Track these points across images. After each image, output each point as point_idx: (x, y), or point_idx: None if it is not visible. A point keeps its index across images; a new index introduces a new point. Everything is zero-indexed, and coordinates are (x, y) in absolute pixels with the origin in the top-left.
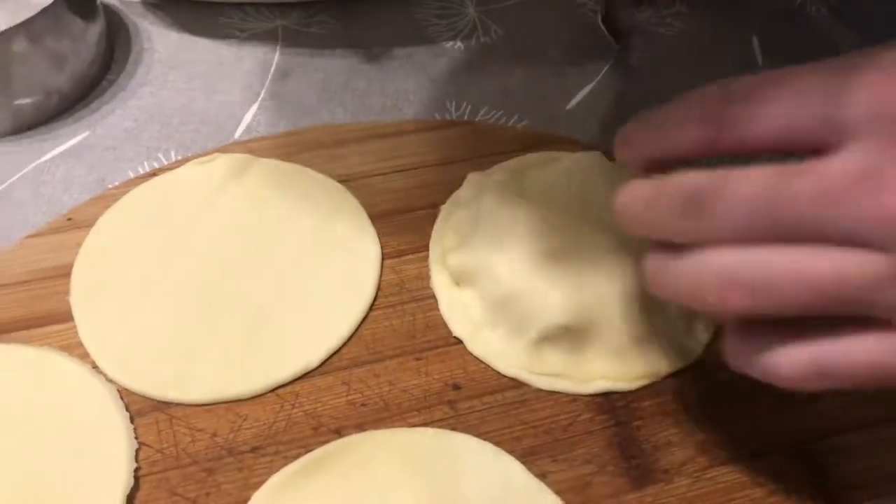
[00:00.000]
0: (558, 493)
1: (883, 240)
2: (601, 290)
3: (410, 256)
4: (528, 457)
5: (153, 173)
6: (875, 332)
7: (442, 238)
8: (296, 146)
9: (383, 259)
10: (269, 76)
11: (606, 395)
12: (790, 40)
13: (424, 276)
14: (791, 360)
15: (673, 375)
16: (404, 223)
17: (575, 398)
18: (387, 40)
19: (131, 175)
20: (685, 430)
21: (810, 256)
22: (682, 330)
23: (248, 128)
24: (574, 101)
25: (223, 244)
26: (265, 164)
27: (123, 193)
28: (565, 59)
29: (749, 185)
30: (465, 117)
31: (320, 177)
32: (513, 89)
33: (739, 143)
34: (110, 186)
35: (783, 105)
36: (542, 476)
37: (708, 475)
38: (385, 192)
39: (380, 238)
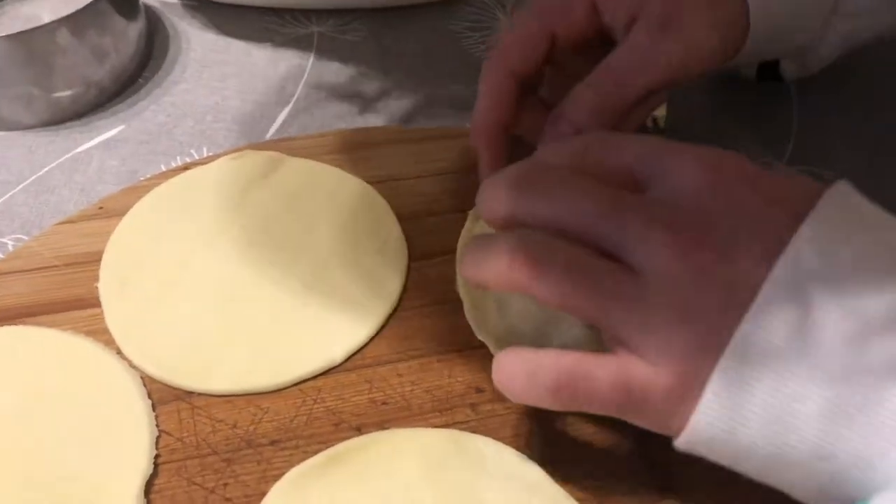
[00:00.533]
0: (581, 501)
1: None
2: None
3: (437, 259)
4: (550, 463)
5: (185, 167)
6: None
7: (468, 243)
8: (326, 147)
9: (410, 261)
10: (304, 79)
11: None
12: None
13: (450, 279)
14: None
15: None
16: (431, 226)
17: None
18: (419, 49)
19: (164, 168)
20: None
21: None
22: None
23: (281, 128)
24: None
25: (253, 238)
26: (296, 162)
27: (155, 185)
28: None
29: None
30: None
31: (349, 177)
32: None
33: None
34: (142, 178)
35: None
36: (564, 483)
37: (728, 489)
38: (413, 195)
39: (407, 240)
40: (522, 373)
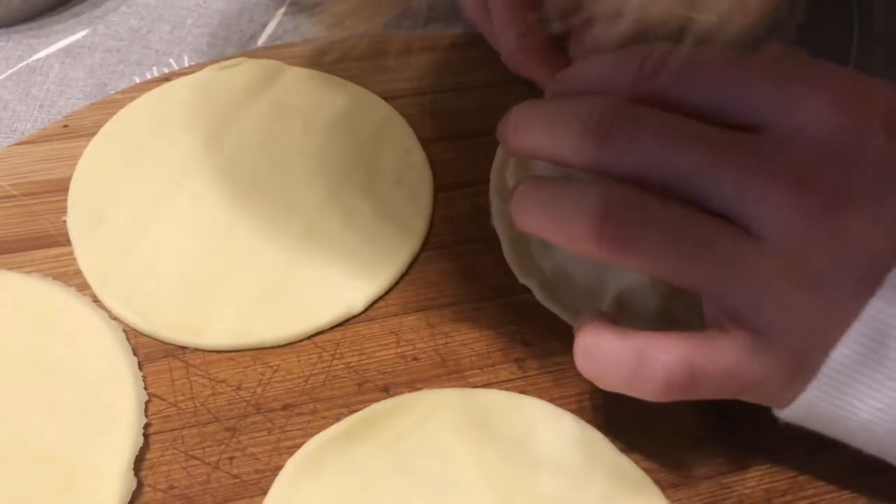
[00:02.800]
0: (647, 471)
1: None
2: None
3: (468, 190)
4: (611, 428)
5: (165, 78)
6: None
7: (504, 168)
8: (333, 55)
9: (436, 192)
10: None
11: None
12: None
13: (484, 213)
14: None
15: None
16: (461, 150)
17: None
18: None
19: (137, 81)
20: None
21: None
22: None
23: (275, 35)
24: None
25: (250, 162)
26: (298, 72)
27: (130, 99)
28: None
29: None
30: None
31: (362, 91)
32: None
33: (674, 100)
34: (113, 92)
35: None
36: (628, 451)
37: (819, 457)
38: (439, 114)
39: (432, 167)
40: (624, 366)
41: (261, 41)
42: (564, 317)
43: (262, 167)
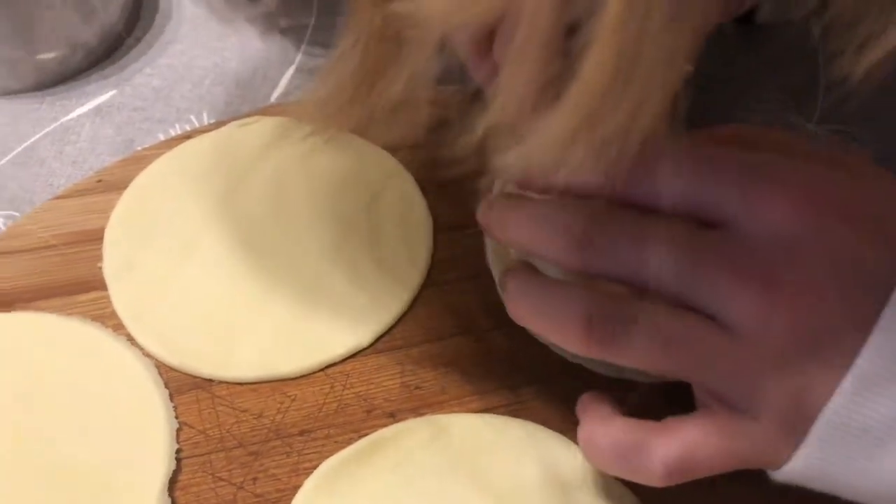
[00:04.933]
0: (633, 490)
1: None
2: None
3: (465, 231)
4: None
5: (187, 135)
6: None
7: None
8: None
9: (436, 234)
10: (306, 38)
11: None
12: None
13: (480, 252)
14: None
15: None
16: (458, 194)
17: (650, 386)
18: None
19: (162, 137)
20: None
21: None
22: None
23: (286, 91)
24: None
25: (268, 211)
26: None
27: (157, 155)
28: None
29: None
30: None
31: (367, 144)
32: None
33: (641, 198)
34: (140, 148)
35: (692, 180)
36: None
37: None
38: (438, 161)
39: (432, 211)
40: (624, 460)
41: (273, 97)
42: (552, 347)
43: (278, 216)
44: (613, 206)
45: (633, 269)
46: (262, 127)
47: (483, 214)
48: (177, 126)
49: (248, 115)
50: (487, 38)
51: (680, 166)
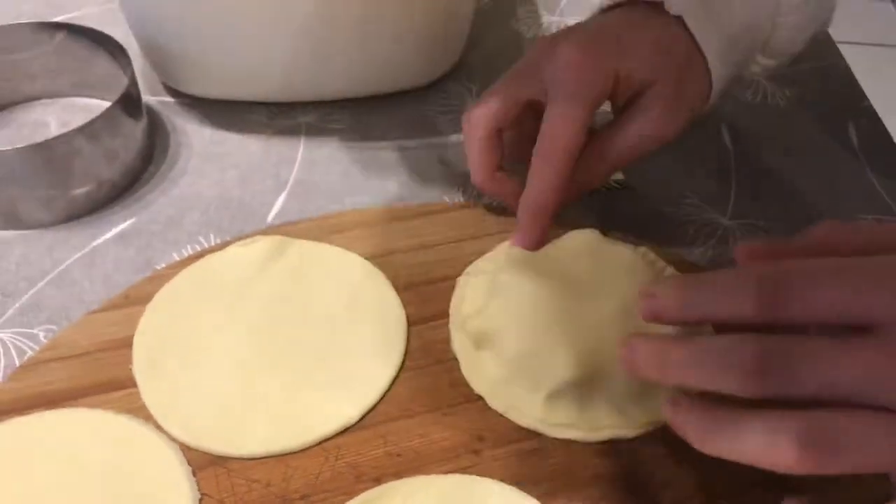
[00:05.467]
0: None
1: None
2: (604, 350)
3: (433, 323)
4: (546, 498)
5: (199, 255)
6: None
7: (461, 306)
8: (326, 229)
9: (409, 326)
10: (296, 167)
11: (613, 442)
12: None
13: (446, 341)
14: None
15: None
16: (426, 294)
17: (585, 445)
18: (399, 135)
19: (176, 257)
20: (685, 470)
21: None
22: None
23: (280, 213)
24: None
25: (268, 315)
26: (300, 244)
27: (174, 273)
28: None
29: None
30: (473, 200)
31: (349, 255)
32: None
33: (788, 321)
34: (158, 267)
35: (837, 295)
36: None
37: None
38: (408, 267)
39: (405, 307)
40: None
41: (269, 218)
42: (508, 415)
43: (278, 316)
44: (773, 330)
45: (820, 391)
46: (262, 245)
47: (627, 353)
48: (188, 247)
49: (249, 235)
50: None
51: (817, 279)
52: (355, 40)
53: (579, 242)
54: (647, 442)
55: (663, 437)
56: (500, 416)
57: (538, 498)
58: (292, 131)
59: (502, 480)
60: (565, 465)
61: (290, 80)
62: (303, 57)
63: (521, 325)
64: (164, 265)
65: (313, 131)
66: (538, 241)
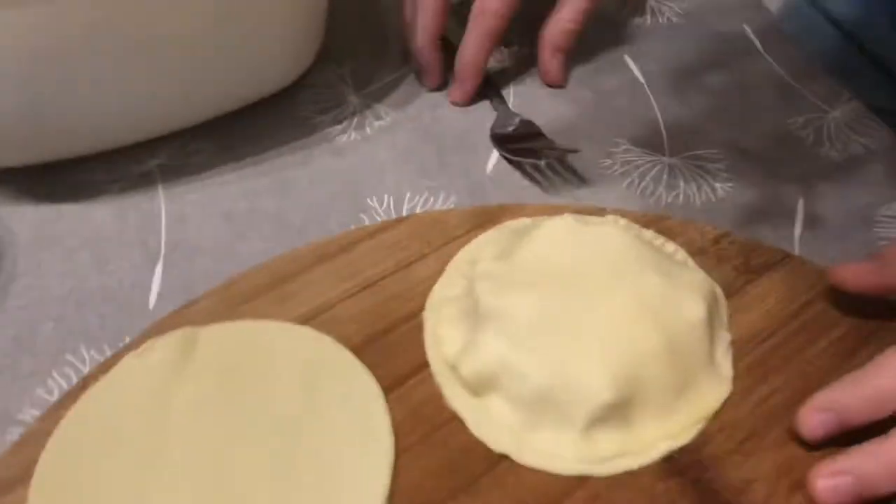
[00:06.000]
0: None
1: None
2: (634, 354)
3: (412, 381)
4: None
5: (82, 385)
6: None
7: (439, 349)
8: (232, 300)
9: (386, 394)
10: (163, 225)
11: (670, 459)
12: (660, 50)
13: (437, 397)
14: None
15: (720, 410)
16: (390, 346)
17: (642, 473)
18: (275, 145)
19: (47, 398)
20: (755, 461)
21: None
22: (708, 360)
23: (162, 293)
24: (490, 166)
25: (206, 432)
26: (209, 332)
27: (51, 426)
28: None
29: None
30: (393, 211)
31: (278, 325)
32: (427, 167)
33: None
34: (23, 418)
35: None
36: None
37: (796, 499)
38: (355, 319)
39: (372, 372)
40: None
41: (151, 304)
42: (546, 468)
43: (220, 430)
44: None
45: None
46: (161, 350)
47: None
48: (55, 376)
49: (136, 336)
50: None
51: None
52: (201, 48)
53: (558, 232)
54: (705, 442)
55: (719, 431)
56: (536, 471)
57: None
58: (144, 181)
59: None
60: (634, 503)
61: (126, 116)
62: (137, 83)
63: (531, 351)
64: (31, 415)
65: (171, 173)
66: (471, 95)
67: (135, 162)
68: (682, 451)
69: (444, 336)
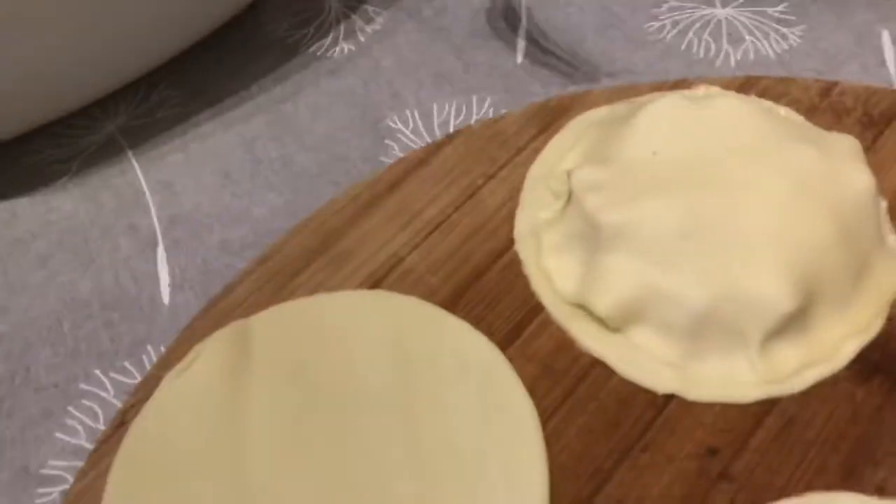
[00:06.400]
0: None
1: None
2: (808, 249)
3: (529, 330)
4: (849, 478)
5: (120, 421)
6: None
7: (551, 284)
8: (279, 275)
9: (502, 352)
10: (148, 199)
11: (862, 358)
12: None
13: (567, 343)
14: None
15: None
16: (486, 293)
17: (836, 381)
18: (259, 79)
19: (73, 441)
20: None
21: None
22: (878, 236)
23: (175, 283)
24: (520, 55)
25: (300, 438)
26: (265, 320)
27: (99, 482)
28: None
29: None
30: (424, 132)
31: (345, 296)
32: (446, 69)
33: None
34: (51, 474)
35: None
36: (879, 491)
37: None
38: (434, 269)
39: (476, 328)
40: None
41: (166, 300)
42: (725, 399)
43: (316, 439)
44: None
45: None
46: (211, 355)
47: None
48: (72, 411)
49: (175, 350)
50: None
51: None
52: None
53: (666, 115)
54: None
55: None
56: (713, 405)
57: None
58: (107, 150)
59: (787, 490)
60: (835, 423)
61: (65, 71)
62: (70, 23)
63: (682, 268)
64: (58, 467)
65: (137, 134)
66: None
67: (89, 130)
68: (873, 346)
69: (553, 269)
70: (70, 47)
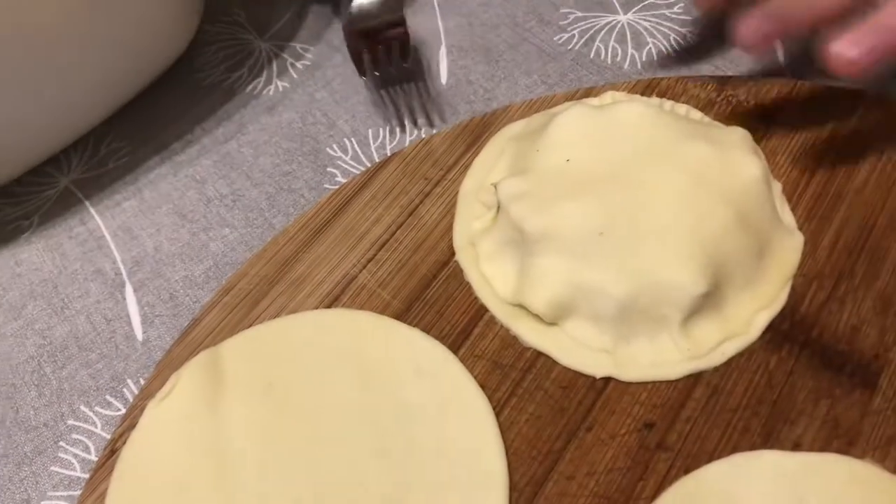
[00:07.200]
0: (822, 451)
1: None
2: (710, 235)
3: (475, 332)
4: (769, 438)
5: (111, 451)
6: None
7: (491, 287)
8: (242, 302)
9: (454, 353)
10: (111, 245)
11: (772, 328)
12: None
13: (510, 340)
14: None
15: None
16: (434, 301)
17: (751, 352)
18: (202, 122)
19: (69, 473)
20: (853, 304)
21: None
22: (774, 216)
23: (146, 320)
24: (445, 75)
25: (281, 450)
26: (233, 346)
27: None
28: None
29: None
30: (363, 156)
31: (306, 316)
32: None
33: None
34: None
35: None
36: (796, 447)
37: None
38: (385, 284)
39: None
40: None
41: (140, 337)
42: (656, 378)
43: (295, 436)
44: None
45: None
46: (187, 383)
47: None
48: (64, 446)
49: (153, 382)
50: None
51: None
52: (75, 33)
53: (575, 125)
54: (800, 301)
55: (806, 283)
56: (646, 384)
57: (762, 445)
58: (64, 203)
59: (716, 453)
60: (753, 391)
61: (15, 133)
62: (18, 87)
63: (603, 262)
64: (59, 497)
65: (91, 185)
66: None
67: (45, 185)
68: (781, 316)
69: (491, 274)
70: (16, 111)
